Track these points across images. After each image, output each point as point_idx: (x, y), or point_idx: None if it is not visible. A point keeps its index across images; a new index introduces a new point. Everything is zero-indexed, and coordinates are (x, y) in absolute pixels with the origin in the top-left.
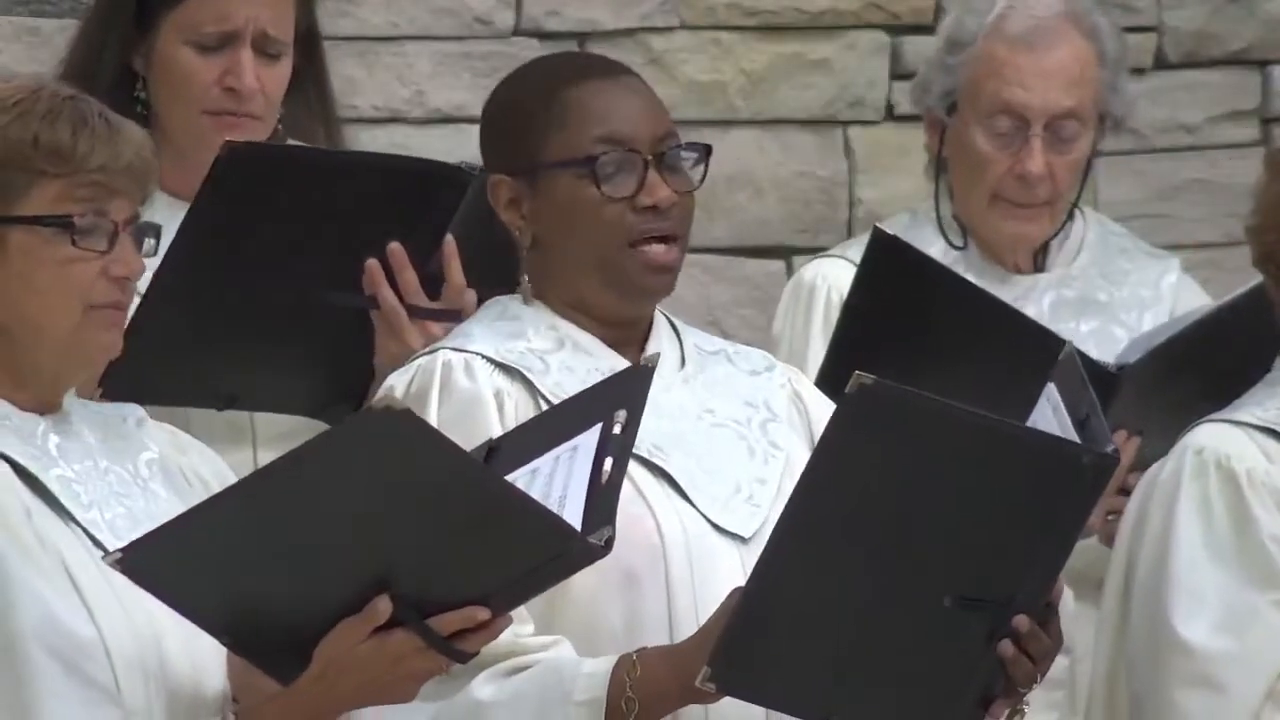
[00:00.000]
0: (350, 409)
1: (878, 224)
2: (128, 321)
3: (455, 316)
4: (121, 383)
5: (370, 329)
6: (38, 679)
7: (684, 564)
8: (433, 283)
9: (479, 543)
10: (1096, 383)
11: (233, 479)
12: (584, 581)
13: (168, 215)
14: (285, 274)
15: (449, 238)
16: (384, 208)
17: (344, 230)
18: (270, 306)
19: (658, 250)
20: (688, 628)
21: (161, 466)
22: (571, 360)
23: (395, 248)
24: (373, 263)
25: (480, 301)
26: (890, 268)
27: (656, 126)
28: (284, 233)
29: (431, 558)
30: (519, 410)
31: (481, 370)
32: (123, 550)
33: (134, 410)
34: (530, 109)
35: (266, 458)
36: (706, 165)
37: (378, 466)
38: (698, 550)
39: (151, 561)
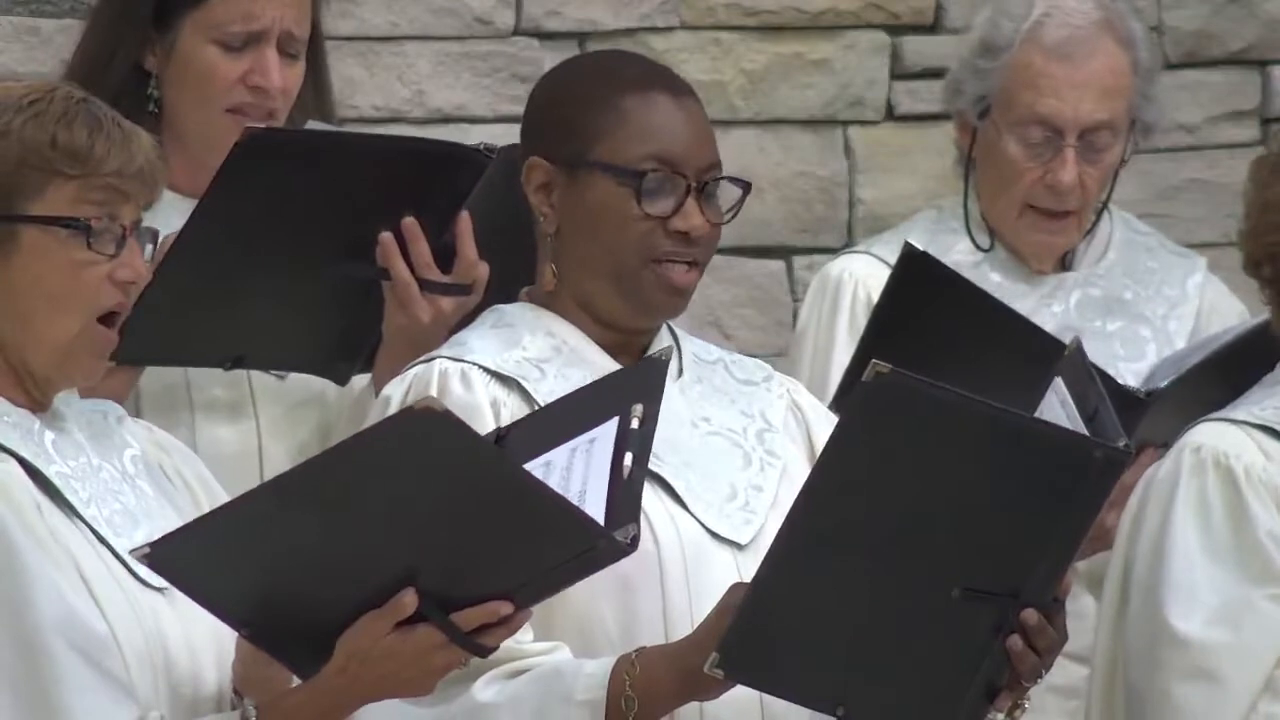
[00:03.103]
0: (353, 368)
1: (909, 240)
2: (142, 289)
3: (466, 291)
4: (134, 348)
5: (380, 296)
6: (62, 673)
7: (679, 570)
8: (445, 257)
9: (507, 540)
10: (1125, 406)
11: (212, 479)
12: (580, 587)
13: (175, 213)
14: (301, 246)
15: (464, 213)
16: (400, 185)
17: (360, 206)
18: (285, 272)
19: (678, 270)
20: (683, 633)
21: (144, 463)
22: (568, 368)
23: (409, 222)
24: (386, 235)
25: (490, 277)
26: (919, 282)
27: (706, 155)
28: (300, 209)
29: (459, 554)
30: (515, 419)
31: (478, 380)
32: (150, 545)
33: (113, 408)
34: (588, 103)
35: (268, 428)
36: (742, 203)
37: (413, 465)
38: (693, 556)
39: (179, 556)
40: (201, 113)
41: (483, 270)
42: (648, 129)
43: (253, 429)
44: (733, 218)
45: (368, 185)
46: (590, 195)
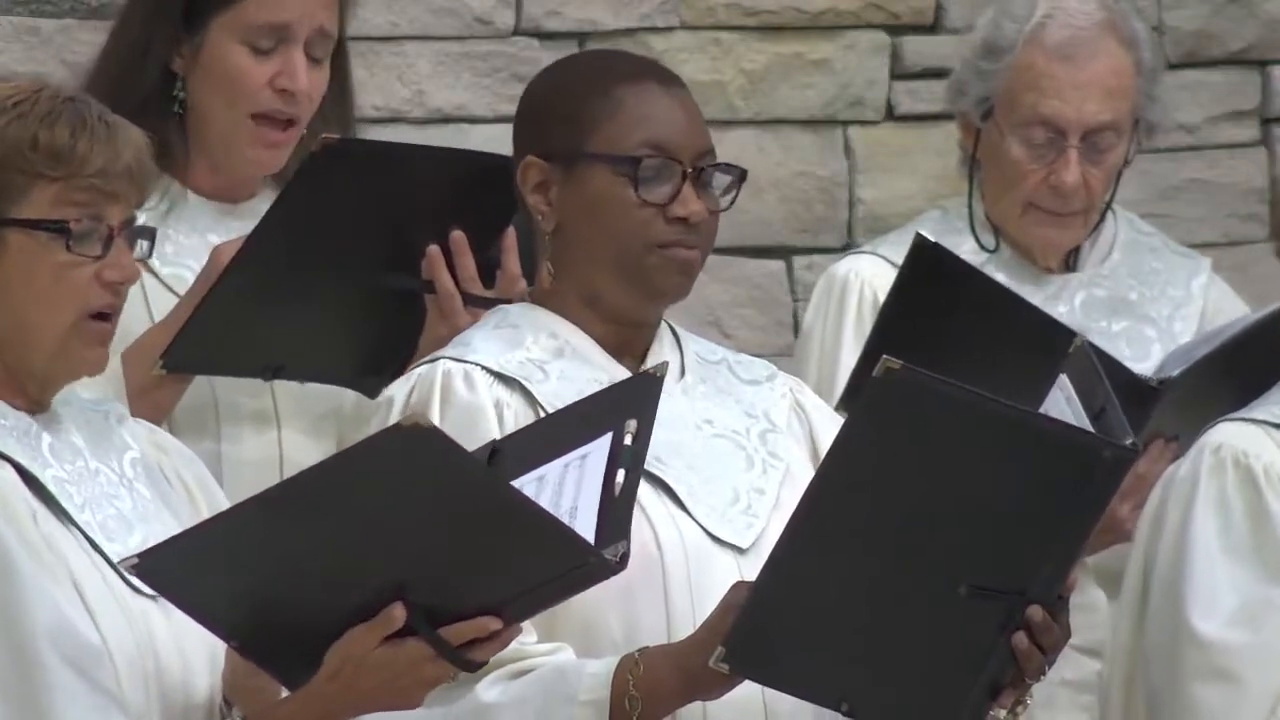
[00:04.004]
0: (384, 382)
1: (919, 231)
2: (199, 297)
3: (507, 305)
4: (185, 354)
5: (417, 308)
6: (54, 682)
7: (682, 574)
8: (488, 271)
9: (496, 556)
10: (1137, 395)
11: (212, 482)
12: (583, 591)
13: (199, 215)
14: (352, 254)
15: (510, 229)
16: (452, 198)
17: (411, 216)
18: (334, 284)
19: (681, 251)
20: (685, 636)
21: (144, 465)
22: (570, 369)
23: (457, 235)
24: (434, 249)
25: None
26: (931, 275)
27: (699, 142)
28: (357, 217)
29: (448, 569)
30: (518, 420)
31: (481, 380)
32: (139, 556)
33: (114, 407)
34: (581, 97)
35: (290, 439)
36: (738, 190)
37: (402, 481)
38: (695, 561)
39: (168, 567)
40: (227, 116)
41: (523, 286)
42: (641, 117)
43: (275, 439)
44: (730, 204)
45: (422, 197)
46: (588, 187)
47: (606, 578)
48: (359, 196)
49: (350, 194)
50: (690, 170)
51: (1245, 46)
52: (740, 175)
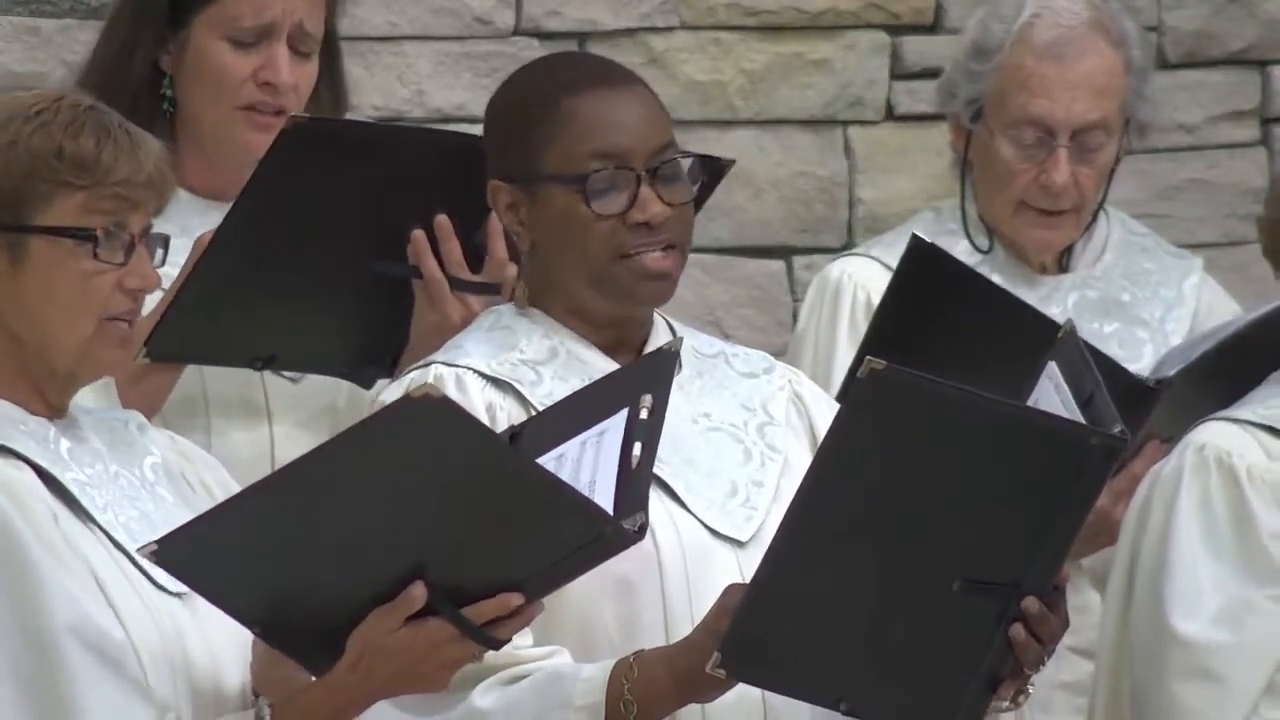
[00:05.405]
0: (381, 373)
1: (915, 233)
2: (179, 283)
3: (495, 290)
4: (167, 342)
5: (410, 297)
6: (77, 674)
7: (679, 570)
8: (475, 256)
9: (513, 530)
10: (1135, 396)
11: (234, 486)
12: (580, 589)
13: (190, 213)
14: (335, 241)
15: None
16: (434, 181)
17: (394, 201)
18: (318, 271)
19: (652, 256)
20: (684, 633)
21: (165, 471)
22: (565, 370)
23: (442, 220)
24: (419, 233)
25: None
26: (927, 276)
27: (653, 138)
28: (337, 202)
29: (466, 545)
30: (511, 422)
31: (473, 384)
32: (158, 542)
33: (134, 416)
34: (528, 118)
35: (282, 434)
36: (712, 174)
37: (414, 454)
38: (693, 556)
39: (186, 553)
40: (214, 111)
41: (512, 270)
42: (587, 129)
43: (266, 434)
44: (699, 189)
45: (403, 181)
46: (550, 207)
47: (625, 548)
48: (335, 179)
49: (326, 177)
50: (644, 173)
51: (1245, 46)
52: (704, 160)
